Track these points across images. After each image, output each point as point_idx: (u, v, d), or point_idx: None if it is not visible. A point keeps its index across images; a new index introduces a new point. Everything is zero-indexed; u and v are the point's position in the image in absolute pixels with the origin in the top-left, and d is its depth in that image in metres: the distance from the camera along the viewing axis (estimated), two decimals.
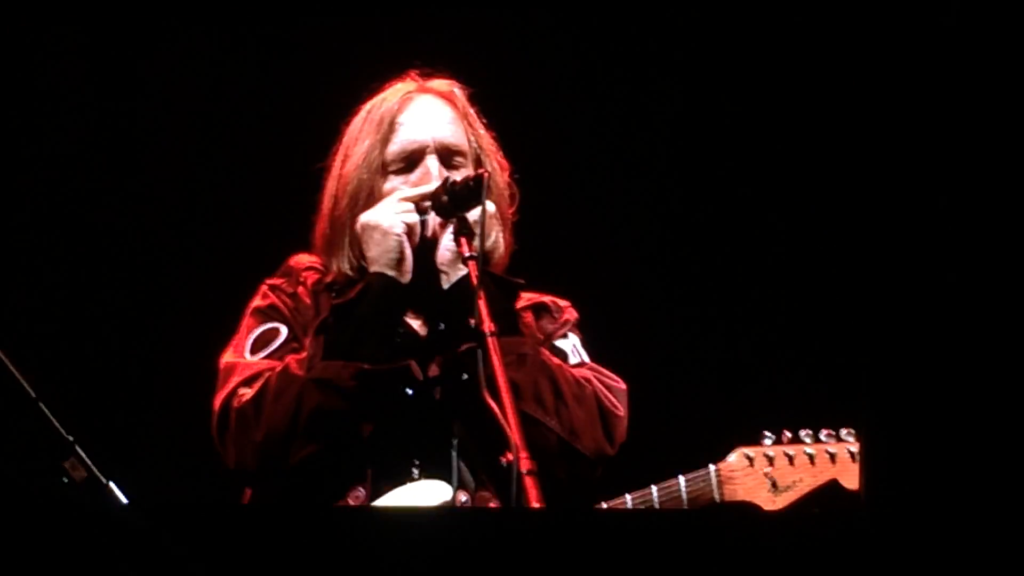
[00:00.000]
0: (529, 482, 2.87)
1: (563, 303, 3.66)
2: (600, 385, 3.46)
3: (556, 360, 3.45)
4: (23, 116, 4.31)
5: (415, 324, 3.48)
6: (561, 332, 3.59)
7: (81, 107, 4.31)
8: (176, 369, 3.93)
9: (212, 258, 4.19)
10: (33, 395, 3.29)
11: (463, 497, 3.35)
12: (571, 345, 3.57)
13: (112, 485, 3.24)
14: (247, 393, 3.35)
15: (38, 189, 4.29)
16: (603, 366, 3.55)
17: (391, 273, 3.40)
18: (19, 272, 4.23)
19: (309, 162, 3.61)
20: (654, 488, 3.40)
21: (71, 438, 3.27)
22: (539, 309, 3.61)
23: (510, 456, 2.93)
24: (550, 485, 2.95)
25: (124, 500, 3.24)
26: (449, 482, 3.35)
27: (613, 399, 3.46)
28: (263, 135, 4.12)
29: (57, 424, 3.28)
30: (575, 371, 3.46)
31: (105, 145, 4.29)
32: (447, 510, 3.23)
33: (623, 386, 3.51)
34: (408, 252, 3.42)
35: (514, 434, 2.95)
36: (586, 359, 3.56)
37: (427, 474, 3.37)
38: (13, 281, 4.20)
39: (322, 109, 3.71)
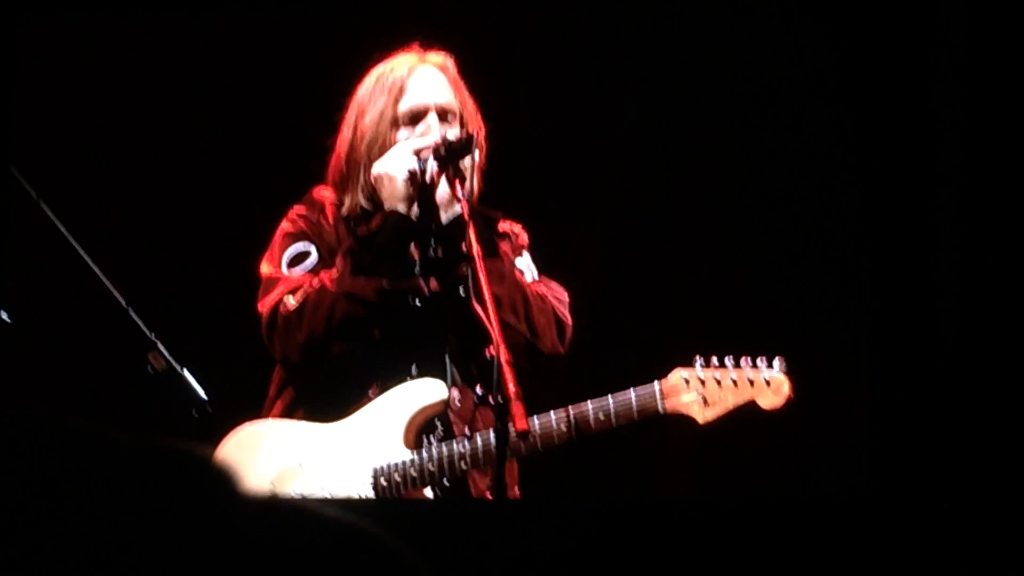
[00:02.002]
0: (507, 370, 3.48)
1: (517, 228, 4.14)
2: (553, 300, 4.05)
3: (524, 278, 4.05)
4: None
5: (421, 250, 4.03)
6: (518, 253, 4.08)
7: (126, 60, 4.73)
8: (224, 276, 4.44)
9: (248, 188, 4.69)
10: (124, 303, 3.83)
11: (455, 393, 3.98)
12: (526, 263, 4.06)
13: (186, 372, 3.85)
14: (291, 302, 3.94)
15: (116, 133, 4.75)
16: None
17: (401, 209, 3.94)
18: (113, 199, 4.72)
19: (327, 113, 4.13)
20: (610, 398, 3.79)
21: (153, 335, 3.85)
22: (501, 235, 4.10)
23: (492, 350, 3.54)
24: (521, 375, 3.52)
25: (196, 385, 3.84)
26: (443, 380, 3.97)
27: (564, 309, 4.05)
28: (298, 95, 4.61)
29: (142, 325, 3.84)
30: (533, 286, 4.05)
31: (179, 103, 4.75)
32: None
33: (567, 297, 4.10)
34: (414, 193, 3.95)
35: (496, 333, 3.54)
36: (536, 275, 4.06)
37: (423, 373, 3.99)
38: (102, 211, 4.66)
39: (335, 74, 4.24)
